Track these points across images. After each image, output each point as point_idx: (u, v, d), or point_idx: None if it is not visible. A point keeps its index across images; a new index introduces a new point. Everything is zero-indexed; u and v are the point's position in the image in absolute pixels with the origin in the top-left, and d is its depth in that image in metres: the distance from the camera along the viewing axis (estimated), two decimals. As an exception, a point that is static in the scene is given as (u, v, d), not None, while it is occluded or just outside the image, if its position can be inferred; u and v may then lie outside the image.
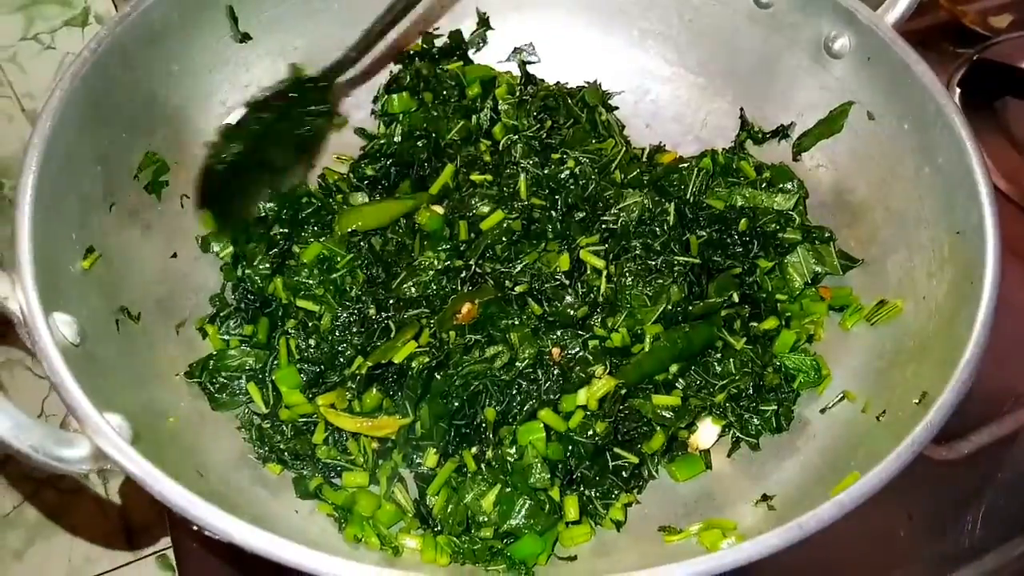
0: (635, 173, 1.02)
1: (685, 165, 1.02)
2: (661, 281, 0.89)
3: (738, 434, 0.88)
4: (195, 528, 0.58)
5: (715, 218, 0.97)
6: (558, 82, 1.12)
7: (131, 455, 0.60)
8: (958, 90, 1.25)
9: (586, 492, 0.83)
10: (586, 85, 1.11)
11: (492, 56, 1.15)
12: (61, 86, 0.81)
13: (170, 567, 1.53)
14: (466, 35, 1.15)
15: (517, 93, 1.09)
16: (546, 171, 1.00)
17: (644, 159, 1.07)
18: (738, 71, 1.08)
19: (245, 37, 1.02)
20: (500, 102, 1.07)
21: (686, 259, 0.92)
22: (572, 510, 0.80)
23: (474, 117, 1.07)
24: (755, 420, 0.87)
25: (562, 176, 1.00)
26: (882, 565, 0.91)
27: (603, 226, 0.95)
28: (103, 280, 0.83)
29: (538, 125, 1.06)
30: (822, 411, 0.87)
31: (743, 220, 0.96)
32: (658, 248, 0.92)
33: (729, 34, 1.07)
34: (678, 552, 0.77)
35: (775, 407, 0.87)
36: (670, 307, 0.88)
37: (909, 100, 0.90)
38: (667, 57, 1.12)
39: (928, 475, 0.94)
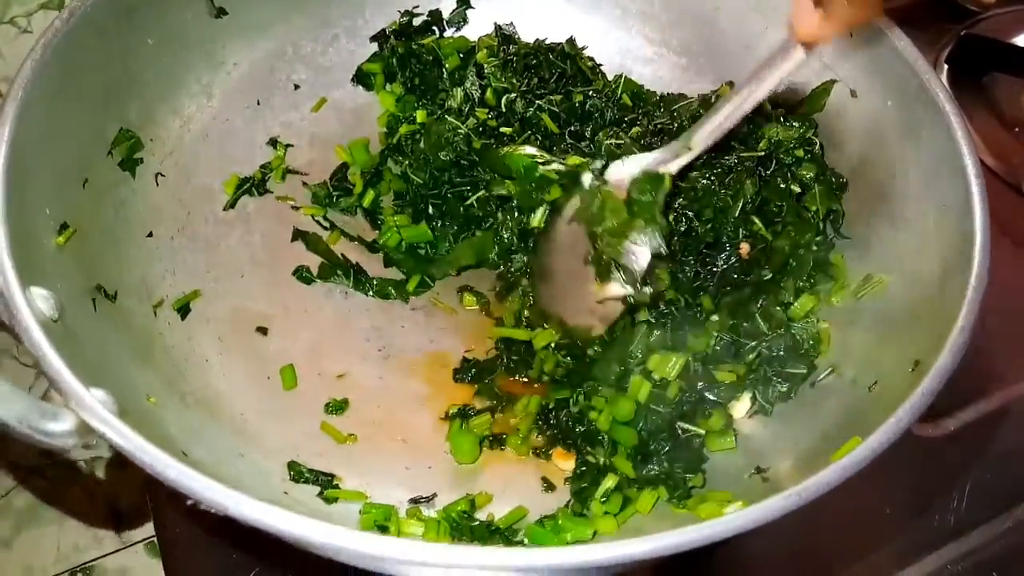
0: (653, 100, 1.02)
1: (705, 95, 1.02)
2: (735, 177, 0.88)
3: (759, 399, 0.87)
4: (189, 503, 0.56)
5: (739, 139, 0.97)
6: (536, 39, 1.10)
7: (118, 427, 0.58)
8: (946, 67, 1.24)
9: (663, 471, 0.82)
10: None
11: (472, 36, 1.13)
12: (33, 56, 0.79)
13: (159, 554, 1.50)
14: (445, 14, 1.13)
15: (500, 54, 1.07)
16: (563, 105, 1.00)
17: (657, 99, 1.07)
18: (720, 51, 1.08)
19: (221, 12, 0.99)
20: (485, 66, 1.05)
21: (751, 153, 0.92)
22: (646, 502, 0.80)
23: (458, 90, 1.05)
24: (781, 386, 0.86)
25: (577, 106, 1.00)
26: (868, 543, 0.91)
27: (655, 126, 0.96)
28: (78, 257, 0.80)
29: (526, 82, 1.05)
30: (812, 384, 0.87)
31: (763, 141, 0.95)
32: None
33: (711, 13, 1.07)
34: (678, 521, 0.77)
35: (805, 371, 0.86)
36: (748, 204, 0.88)
37: (891, 76, 0.90)
38: (649, 37, 1.12)
39: (914, 453, 0.94)
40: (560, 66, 1.06)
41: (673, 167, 0.85)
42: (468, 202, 0.97)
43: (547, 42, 1.08)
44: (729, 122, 0.82)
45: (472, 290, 0.99)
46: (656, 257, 0.86)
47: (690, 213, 0.88)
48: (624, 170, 0.88)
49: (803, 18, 0.71)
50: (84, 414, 0.58)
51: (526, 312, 0.95)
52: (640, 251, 0.85)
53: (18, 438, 0.55)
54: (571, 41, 1.09)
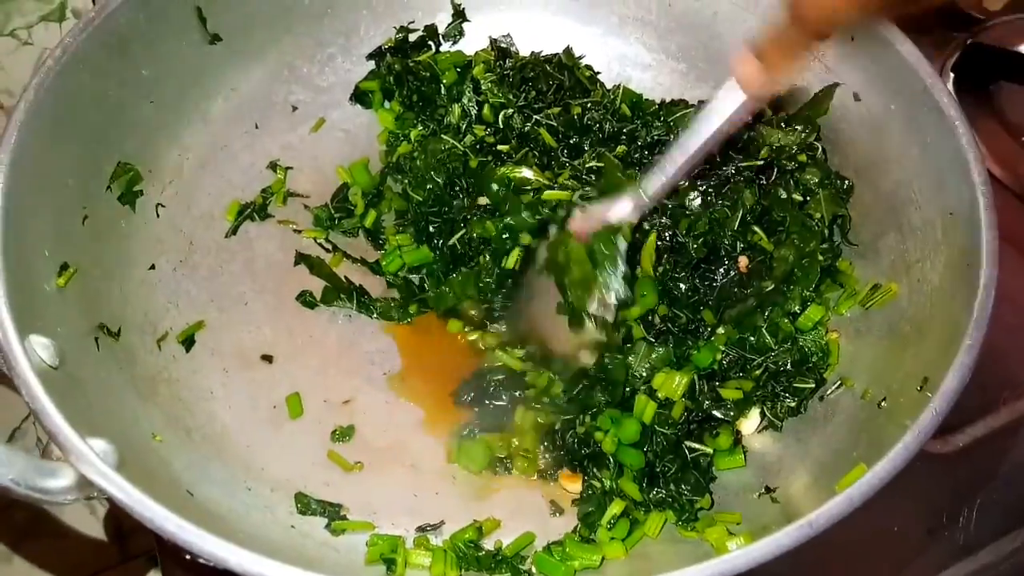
0: (652, 109, 1.02)
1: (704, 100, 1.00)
2: (733, 187, 0.88)
3: (768, 415, 0.86)
4: (188, 557, 0.56)
5: (738, 147, 0.96)
6: (532, 52, 1.09)
7: (118, 482, 0.58)
8: (952, 75, 1.22)
9: (670, 494, 0.81)
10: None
11: (469, 49, 1.12)
12: (26, 98, 0.79)
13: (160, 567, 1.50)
14: (441, 29, 1.12)
15: (496, 69, 1.06)
16: (561, 119, 0.99)
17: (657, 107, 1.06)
18: (719, 56, 1.06)
19: (215, 39, 0.99)
20: (481, 81, 1.04)
21: (751, 162, 0.91)
22: (654, 525, 0.79)
23: (456, 107, 1.04)
24: (789, 400, 0.86)
25: (575, 119, 0.99)
26: (877, 561, 0.90)
27: (654, 137, 0.96)
28: (80, 297, 0.81)
29: (524, 95, 1.04)
30: (821, 398, 0.86)
31: (764, 149, 0.94)
32: (718, 158, 0.91)
33: (709, 18, 1.06)
34: (684, 551, 0.76)
35: (813, 385, 0.86)
36: (748, 215, 0.88)
37: (895, 80, 0.89)
38: (647, 44, 1.10)
39: (923, 469, 0.92)
40: (558, 77, 1.05)
41: (633, 216, 0.85)
42: (451, 242, 0.97)
43: (543, 54, 1.07)
44: (682, 171, 0.83)
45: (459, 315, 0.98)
46: (623, 304, 0.86)
47: (667, 222, 0.87)
48: (586, 220, 0.88)
49: (744, 70, 0.73)
50: (83, 468, 0.58)
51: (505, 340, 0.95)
52: (607, 300, 0.86)
53: (18, 499, 0.55)
54: (568, 51, 1.07)
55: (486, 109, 1.03)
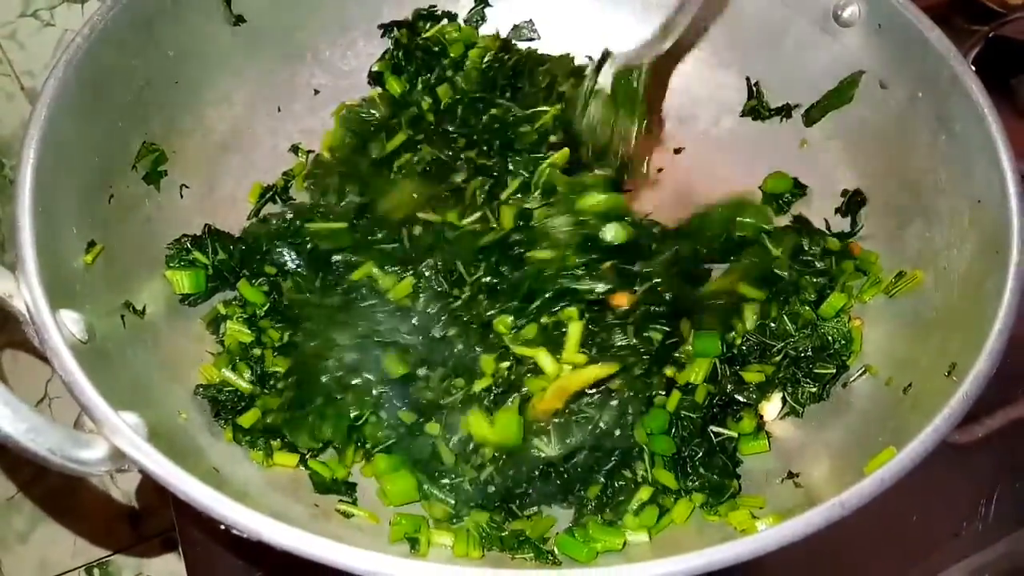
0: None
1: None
2: None
3: (789, 400, 0.86)
4: (223, 528, 0.56)
5: None
6: (529, 48, 1.09)
7: (152, 454, 0.59)
8: (972, 68, 1.22)
9: (700, 479, 0.81)
10: (589, 60, 1.06)
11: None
12: (55, 75, 0.78)
13: (175, 549, 1.51)
14: (463, 14, 1.12)
15: (488, 57, 1.07)
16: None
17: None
18: (743, 42, 1.06)
19: (239, 20, 0.99)
20: (468, 61, 1.05)
21: None
22: (682, 511, 0.79)
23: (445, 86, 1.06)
24: (811, 386, 0.85)
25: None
26: (893, 551, 0.90)
27: None
28: (106, 275, 0.80)
29: (490, 89, 1.05)
30: (844, 385, 0.86)
31: None
32: None
33: (734, 4, 1.05)
34: (706, 534, 0.76)
35: (834, 371, 0.85)
36: None
37: (923, 68, 0.88)
38: (671, 30, 1.10)
39: (940, 459, 0.92)
40: (537, 82, 1.05)
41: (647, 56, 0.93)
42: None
43: (548, 54, 1.08)
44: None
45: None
46: None
47: None
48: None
49: None
50: (117, 440, 0.59)
51: None
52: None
53: (53, 468, 0.55)
54: (565, 59, 1.08)
55: (442, 87, 1.05)
